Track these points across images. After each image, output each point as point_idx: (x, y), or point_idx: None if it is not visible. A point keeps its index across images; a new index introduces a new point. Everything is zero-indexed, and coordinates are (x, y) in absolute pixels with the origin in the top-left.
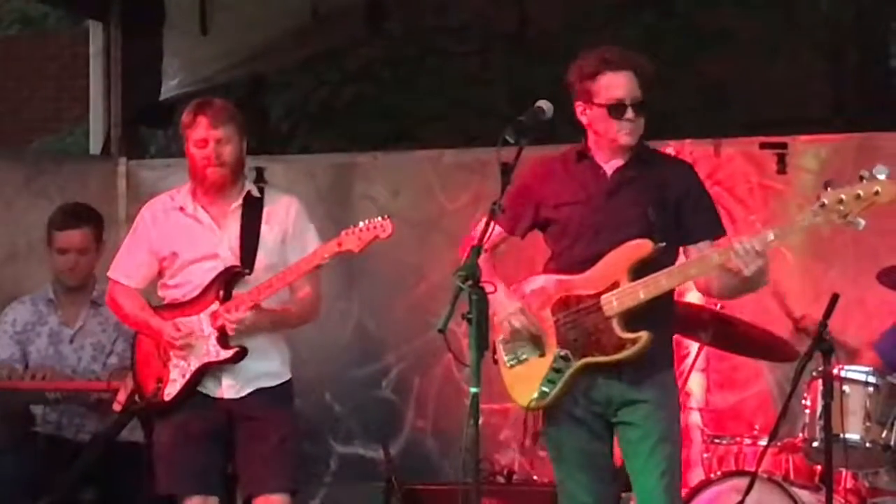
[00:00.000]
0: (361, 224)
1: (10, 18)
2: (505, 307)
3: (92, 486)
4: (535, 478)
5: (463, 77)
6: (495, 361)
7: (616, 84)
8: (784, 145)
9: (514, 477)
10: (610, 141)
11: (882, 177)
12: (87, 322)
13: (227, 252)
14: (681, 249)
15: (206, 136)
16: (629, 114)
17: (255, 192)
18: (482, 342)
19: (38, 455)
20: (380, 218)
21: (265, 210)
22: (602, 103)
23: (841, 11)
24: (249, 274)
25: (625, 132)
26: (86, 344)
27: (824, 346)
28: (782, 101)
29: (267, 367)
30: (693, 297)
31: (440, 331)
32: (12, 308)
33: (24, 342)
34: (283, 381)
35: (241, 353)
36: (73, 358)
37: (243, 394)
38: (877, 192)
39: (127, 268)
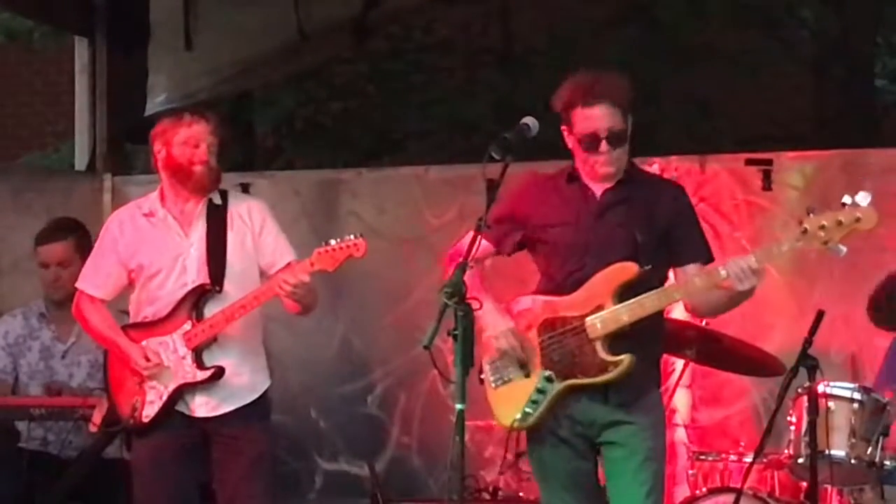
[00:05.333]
0: (334, 242)
1: None
2: (496, 326)
3: (76, 503)
4: (520, 495)
5: (448, 93)
6: (481, 381)
7: (588, 117)
8: (769, 162)
9: (500, 494)
10: (589, 170)
11: (864, 203)
12: (81, 338)
13: (194, 263)
14: (670, 270)
15: (201, 137)
16: (602, 146)
17: (217, 201)
18: (467, 359)
19: (24, 471)
20: (352, 236)
21: (228, 217)
22: (577, 135)
23: (826, 27)
24: (219, 292)
25: (600, 164)
26: (81, 360)
27: (809, 362)
28: (767, 116)
29: (242, 381)
30: (678, 313)
31: (425, 347)
32: (3, 321)
33: (15, 354)
34: (260, 394)
35: (219, 373)
36: (64, 373)
37: (218, 413)
38: (858, 219)
39: (95, 279)
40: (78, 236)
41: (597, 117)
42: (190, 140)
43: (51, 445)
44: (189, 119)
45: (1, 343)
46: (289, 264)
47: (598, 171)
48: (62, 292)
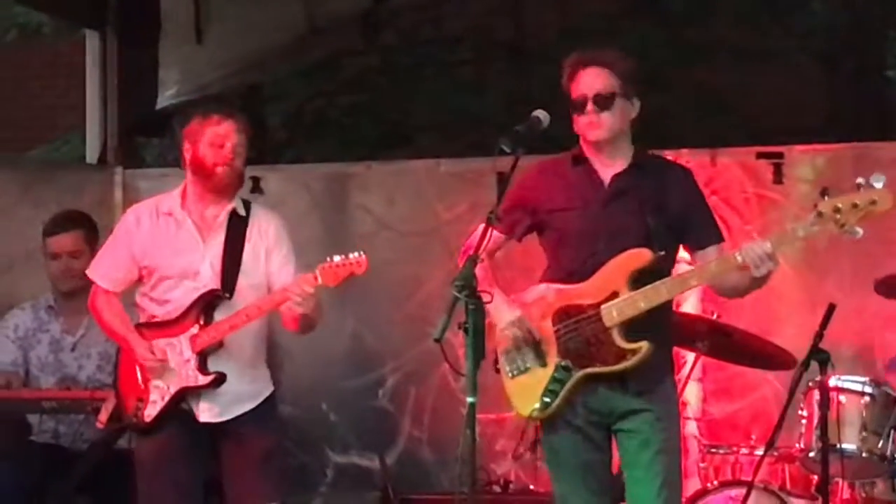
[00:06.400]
0: (338, 258)
1: (5, 26)
2: (504, 317)
3: (87, 495)
4: (531, 487)
5: (459, 86)
6: (497, 371)
7: (579, 81)
8: (780, 155)
9: (511, 486)
10: (582, 138)
11: (879, 185)
12: (90, 330)
13: (208, 269)
14: (678, 255)
15: (228, 137)
16: (588, 107)
17: (241, 211)
18: (478, 352)
19: (35, 464)
20: (356, 254)
21: (248, 229)
22: (571, 101)
23: (837, 20)
24: (229, 298)
25: (589, 128)
26: (91, 353)
27: (820, 355)
28: (778, 109)
29: (246, 389)
30: (689, 306)
31: (436, 340)
32: (13, 314)
33: (25, 348)
34: (264, 398)
35: (220, 379)
36: (73, 366)
37: (221, 419)
38: (874, 202)
39: (107, 269)
40: (87, 228)
41: (585, 80)
42: (216, 140)
43: (62, 438)
44: (217, 118)
45: (11, 336)
46: (297, 277)
47: (587, 136)
48: (72, 283)
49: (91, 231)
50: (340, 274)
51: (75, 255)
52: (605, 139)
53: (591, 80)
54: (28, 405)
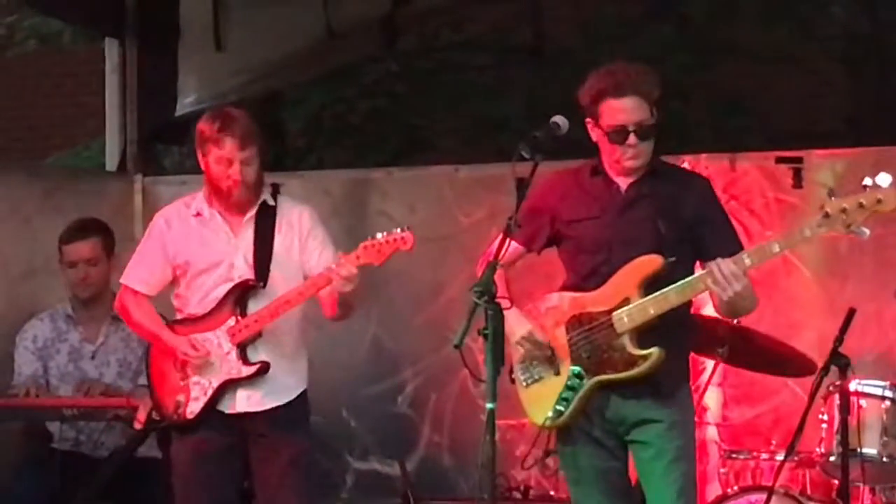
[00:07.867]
0: (380, 236)
1: (26, 35)
2: (515, 331)
3: (110, 502)
4: (552, 493)
5: (478, 92)
6: (512, 381)
7: (618, 109)
8: (800, 160)
9: (531, 493)
10: (614, 162)
11: (885, 185)
12: (109, 338)
13: (242, 262)
14: (696, 264)
15: (232, 157)
16: (631, 139)
17: (270, 201)
18: (498, 358)
19: (57, 472)
20: (399, 229)
21: (278, 220)
22: (604, 127)
23: (858, 23)
24: (263, 287)
25: (627, 157)
26: (110, 360)
27: (840, 360)
28: (798, 114)
29: (284, 381)
30: (710, 310)
31: (456, 346)
32: (31, 325)
33: (44, 358)
34: (298, 393)
35: (265, 368)
36: (93, 374)
37: (259, 409)
38: (879, 201)
39: (141, 274)
40: (104, 236)
41: (626, 109)
42: (222, 160)
43: (83, 446)
44: (217, 136)
45: (30, 348)
46: (339, 257)
47: (624, 165)
48: (90, 290)
49: (108, 238)
50: (385, 251)
51: (92, 263)
52: (641, 166)
53: (630, 111)
54: (49, 413)
